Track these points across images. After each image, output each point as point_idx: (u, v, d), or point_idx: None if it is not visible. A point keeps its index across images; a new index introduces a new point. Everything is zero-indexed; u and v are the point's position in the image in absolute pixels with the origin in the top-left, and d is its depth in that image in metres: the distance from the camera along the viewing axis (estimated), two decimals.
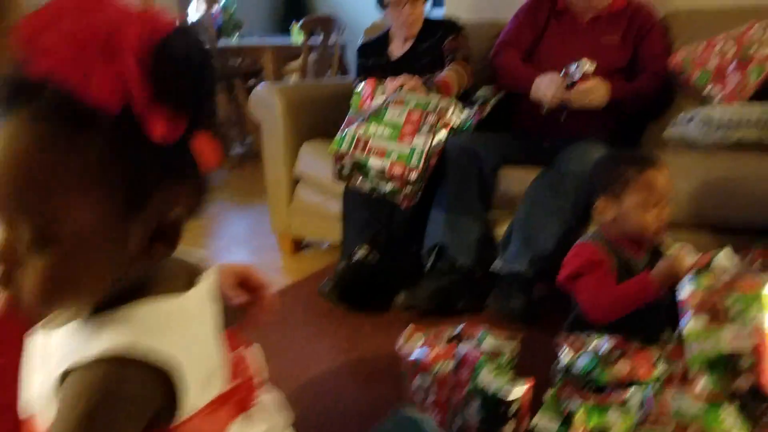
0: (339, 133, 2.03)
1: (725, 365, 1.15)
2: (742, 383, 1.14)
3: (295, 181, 2.49)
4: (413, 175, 1.90)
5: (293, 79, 4.38)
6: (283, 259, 2.57)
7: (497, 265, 1.95)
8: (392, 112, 2.01)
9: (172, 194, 0.57)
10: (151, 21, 0.54)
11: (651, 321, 1.38)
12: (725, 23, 2.10)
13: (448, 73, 2.20)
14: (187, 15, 4.15)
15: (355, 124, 2.00)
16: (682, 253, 1.33)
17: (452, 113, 2.03)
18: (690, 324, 1.18)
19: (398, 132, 1.96)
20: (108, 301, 0.58)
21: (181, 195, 0.58)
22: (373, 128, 2.00)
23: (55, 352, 0.59)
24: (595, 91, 2.02)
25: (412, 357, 1.32)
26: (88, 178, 0.53)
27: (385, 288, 2.03)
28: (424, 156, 1.91)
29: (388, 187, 1.96)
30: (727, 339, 1.15)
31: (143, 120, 0.52)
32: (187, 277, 0.64)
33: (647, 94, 2.12)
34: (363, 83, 2.14)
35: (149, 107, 0.52)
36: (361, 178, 1.99)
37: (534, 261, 1.86)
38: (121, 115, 0.52)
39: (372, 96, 2.10)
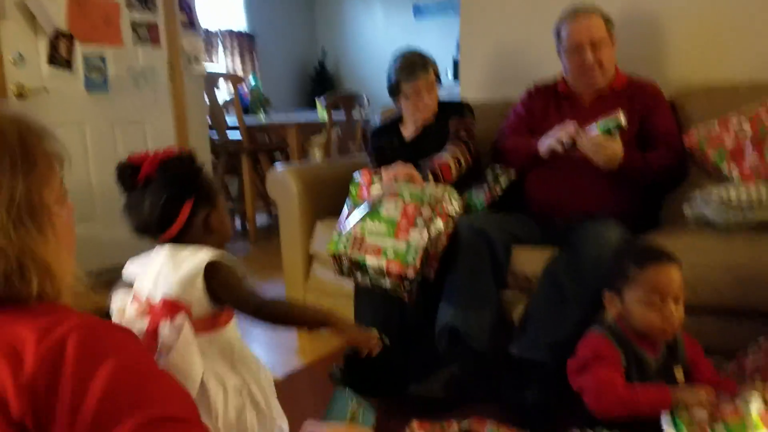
0: (335, 231, 2.02)
1: None
2: None
3: (310, 259, 2.49)
4: (410, 272, 1.86)
5: (316, 153, 4.47)
6: (300, 338, 2.54)
7: (513, 350, 1.89)
8: (387, 206, 1.99)
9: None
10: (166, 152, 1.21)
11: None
12: (738, 100, 2.07)
13: (445, 156, 2.20)
14: (214, 94, 4.29)
15: (352, 224, 1.98)
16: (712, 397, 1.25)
17: (447, 202, 2.01)
18: None
19: (394, 228, 1.93)
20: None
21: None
22: (369, 225, 1.97)
23: (186, 259, 1.16)
24: (609, 149, 1.95)
25: None
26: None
27: (398, 373, 1.98)
28: (420, 252, 1.88)
29: (387, 283, 1.93)
30: None
31: None
32: None
33: (659, 169, 2.08)
34: (359, 173, 2.15)
35: None
36: (360, 274, 1.96)
37: (552, 349, 1.79)
38: None
39: (370, 184, 2.10)
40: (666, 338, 1.38)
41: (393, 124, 2.47)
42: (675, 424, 1.18)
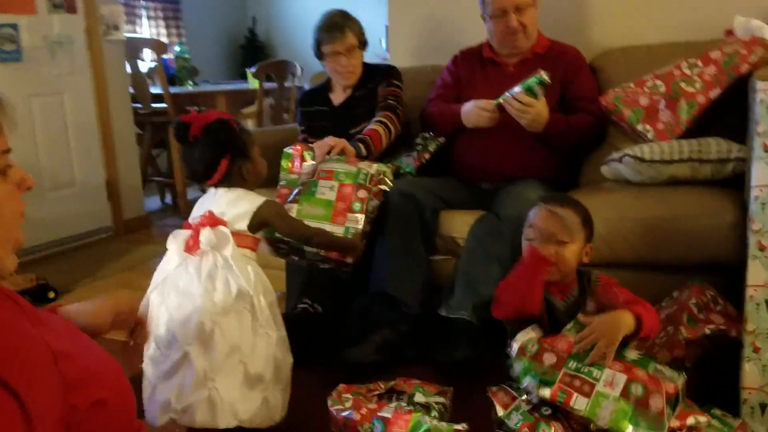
0: None
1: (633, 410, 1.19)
2: (658, 403, 1.20)
3: None
4: (350, 259, 1.86)
5: (248, 123, 4.38)
6: None
7: (442, 311, 1.93)
8: (323, 188, 1.95)
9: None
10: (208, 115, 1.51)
11: None
12: (655, 61, 2.14)
13: (375, 126, 2.19)
14: (137, 63, 4.13)
15: (286, 205, 1.95)
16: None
17: (383, 183, 2.00)
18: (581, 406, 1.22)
19: (331, 211, 1.90)
20: None
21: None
22: (305, 209, 1.93)
23: (243, 197, 1.52)
24: (536, 110, 1.98)
25: (341, 416, 1.28)
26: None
27: (330, 340, 1.99)
28: (360, 235, 1.88)
29: (326, 266, 1.93)
30: (610, 390, 1.24)
31: None
32: None
33: (582, 131, 2.14)
34: (291, 147, 2.12)
35: None
36: (298, 258, 1.94)
37: (477, 307, 1.84)
38: None
39: (302, 159, 2.06)
40: (565, 279, 1.46)
41: (321, 89, 2.44)
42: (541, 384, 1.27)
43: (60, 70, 3.33)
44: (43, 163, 3.29)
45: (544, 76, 1.94)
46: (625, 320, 1.31)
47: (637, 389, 1.22)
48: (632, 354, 1.31)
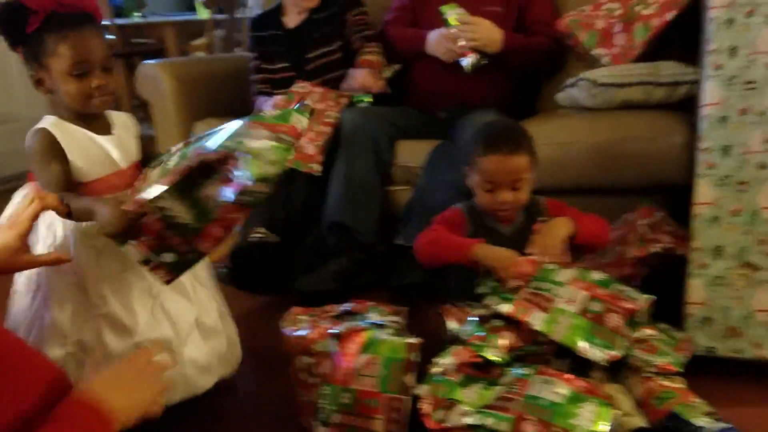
0: None
1: (590, 327, 1.21)
2: (615, 321, 1.22)
3: None
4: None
5: (199, 56, 4.23)
6: None
7: (398, 240, 1.92)
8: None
9: None
10: None
11: None
12: None
13: (368, 56, 2.17)
14: None
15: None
16: (520, 260, 1.33)
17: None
18: (540, 322, 1.23)
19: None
20: None
21: None
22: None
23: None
24: (485, 27, 1.99)
25: (295, 336, 1.27)
26: None
27: (285, 270, 1.97)
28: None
29: None
30: (570, 307, 1.26)
31: None
32: None
33: (540, 52, 2.11)
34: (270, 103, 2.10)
35: None
36: None
37: None
38: None
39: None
40: (504, 218, 1.46)
41: (272, 13, 2.34)
42: (503, 299, 1.29)
43: None
44: None
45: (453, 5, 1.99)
46: (562, 223, 1.39)
47: (594, 306, 1.24)
48: (597, 275, 1.33)
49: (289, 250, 2.03)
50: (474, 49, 1.98)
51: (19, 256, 1.10)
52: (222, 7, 4.25)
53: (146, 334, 1.24)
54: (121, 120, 1.37)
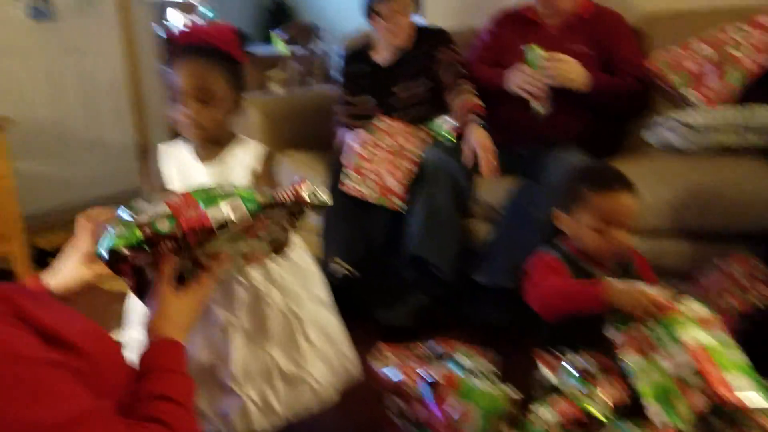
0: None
1: (671, 393, 1.12)
2: (698, 403, 1.10)
3: None
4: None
5: (275, 87, 4.36)
6: None
7: (478, 277, 1.92)
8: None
9: None
10: None
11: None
12: (700, 26, 2.07)
13: (472, 98, 2.18)
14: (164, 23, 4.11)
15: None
16: (649, 287, 1.25)
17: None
18: (630, 363, 1.17)
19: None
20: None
21: None
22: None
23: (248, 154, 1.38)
24: (571, 66, 1.98)
25: (385, 376, 1.28)
26: None
27: (364, 303, 1.99)
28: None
29: None
30: (667, 366, 1.13)
31: None
32: None
33: (626, 92, 2.09)
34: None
35: None
36: None
37: (515, 273, 1.82)
38: None
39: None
40: (611, 260, 1.41)
41: (363, 50, 2.40)
42: (616, 328, 1.22)
43: (90, 28, 3.31)
44: (73, 121, 3.30)
45: (533, 47, 1.99)
46: None
47: (691, 379, 1.11)
48: (723, 352, 1.17)
49: (369, 284, 2.05)
50: (549, 90, 1.99)
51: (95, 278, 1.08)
52: (297, 38, 4.39)
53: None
54: (240, 150, 1.38)
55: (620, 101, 2.11)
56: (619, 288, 1.26)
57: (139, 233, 0.91)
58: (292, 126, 2.49)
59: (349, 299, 1.98)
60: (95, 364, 0.79)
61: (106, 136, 3.48)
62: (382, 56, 2.33)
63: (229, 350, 1.30)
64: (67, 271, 1.05)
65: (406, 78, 2.25)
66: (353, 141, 2.14)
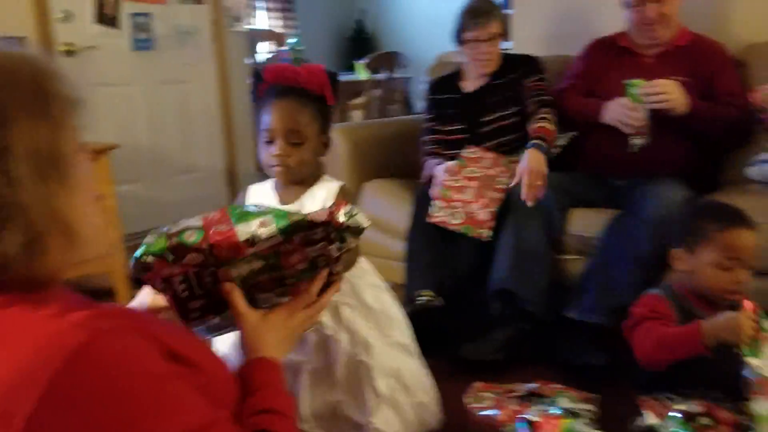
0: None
1: None
2: None
3: None
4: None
5: (357, 114, 4.43)
6: None
7: (570, 312, 1.86)
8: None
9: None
10: None
11: (707, 378, 1.28)
12: None
13: (545, 124, 2.14)
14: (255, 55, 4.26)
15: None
16: (744, 315, 1.21)
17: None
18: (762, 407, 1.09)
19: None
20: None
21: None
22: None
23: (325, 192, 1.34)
24: (670, 87, 1.91)
25: (484, 415, 1.25)
26: None
27: (450, 334, 1.97)
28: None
29: None
30: None
31: None
32: None
33: (727, 121, 1.99)
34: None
35: None
36: None
37: (612, 312, 1.76)
38: None
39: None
40: (729, 300, 1.34)
41: (450, 77, 2.41)
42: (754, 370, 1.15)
43: (187, 59, 3.48)
44: (170, 147, 3.46)
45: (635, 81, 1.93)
46: None
47: None
48: None
49: (454, 315, 2.03)
50: (649, 121, 1.93)
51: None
52: (379, 67, 4.45)
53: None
54: (319, 190, 1.34)
55: (721, 129, 2.01)
56: (715, 323, 1.23)
57: (164, 242, 0.89)
58: (379, 154, 2.51)
59: (433, 333, 1.97)
60: (211, 377, 0.80)
61: (199, 162, 3.63)
62: (470, 84, 2.33)
63: (298, 390, 1.29)
64: (143, 295, 1.06)
65: (494, 107, 2.23)
66: (440, 171, 2.14)
